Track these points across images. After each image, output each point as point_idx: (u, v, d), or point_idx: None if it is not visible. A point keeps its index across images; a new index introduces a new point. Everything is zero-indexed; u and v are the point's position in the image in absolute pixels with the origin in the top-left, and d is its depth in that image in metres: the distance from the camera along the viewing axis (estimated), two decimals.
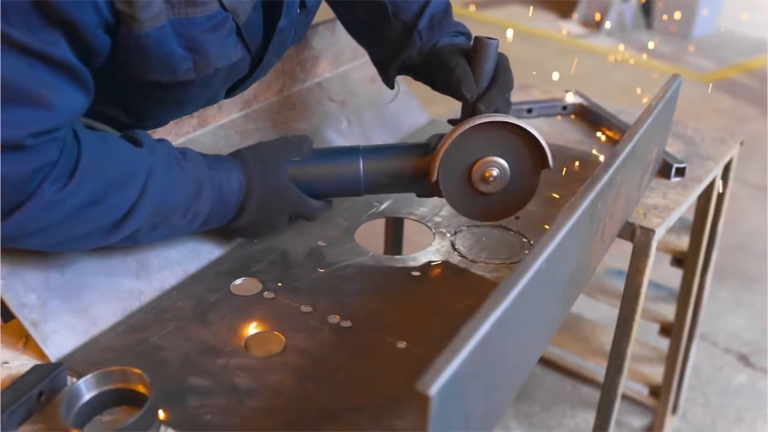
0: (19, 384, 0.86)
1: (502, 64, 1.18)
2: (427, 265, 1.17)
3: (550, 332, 1.02)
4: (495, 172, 1.14)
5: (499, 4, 6.44)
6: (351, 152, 1.18)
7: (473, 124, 1.12)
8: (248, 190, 1.09)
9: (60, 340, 0.97)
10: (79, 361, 0.95)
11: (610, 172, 1.01)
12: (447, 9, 1.29)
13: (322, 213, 1.19)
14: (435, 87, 1.25)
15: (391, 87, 1.33)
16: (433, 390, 0.64)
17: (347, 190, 1.18)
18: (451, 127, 1.16)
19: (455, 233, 1.26)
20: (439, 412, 0.65)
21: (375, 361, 0.97)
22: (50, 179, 0.89)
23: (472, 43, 1.21)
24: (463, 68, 1.16)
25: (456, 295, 1.11)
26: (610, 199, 1.08)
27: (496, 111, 1.16)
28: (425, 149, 1.16)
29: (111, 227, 0.97)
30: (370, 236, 1.34)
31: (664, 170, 1.47)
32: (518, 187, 1.16)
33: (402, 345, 1.00)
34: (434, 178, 1.14)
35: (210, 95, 1.13)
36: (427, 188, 1.17)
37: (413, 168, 1.16)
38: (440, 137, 1.15)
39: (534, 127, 1.13)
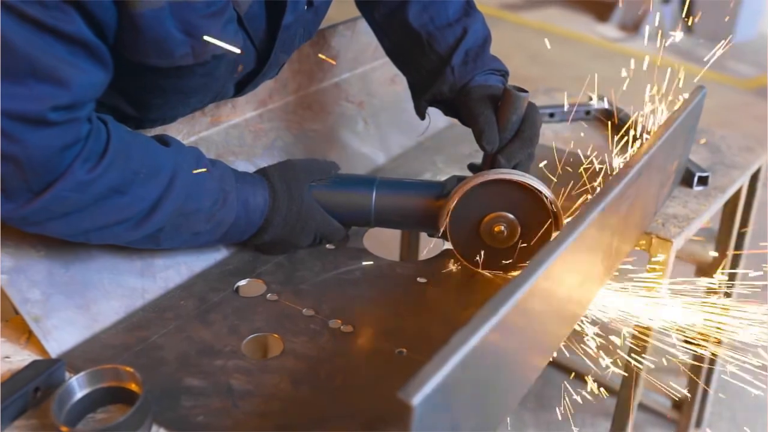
0: (16, 379, 0.87)
1: (529, 118, 1.15)
2: (434, 272, 1.16)
3: (555, 342, 1.00)
4: (503, 227, 1.12)
5: (536, 6, 6.37)
6: (366, 183, 1.17)
7: (485, 180, 1.11)
8: (274, 207, 1.10)
9: (61, 336, 0.97)
10: (78, 358, 0.95)
11: (621, 185, 0.98)
12: (485, 43, 1.26)
13: (342, 237, 1.19)
14: (465, 125, 1.23)
15: (422, 118, 1.31)
16: (416, 400, 0.62)
17: (358, 220, 1.18)
18: (470, 172, 1.15)
19: None
20: (423, 423, 0.64)
21: (373, 368, 0.96)
22: (81, 158, 0.91)
23: (506, 82, 1.20)
24: (486, 118, 1.14)
25: (461, 303, 1.09)
26: (622, 210, 1.05)
27: (516, 165, 1.14)
28: (439, 192, 1.15)
29: (136, 221, 0.98)
30: (387, 241, 1.33)
31: (686, 179, 1.43)
32: (528, 244, 1.13)
33: (402, 352, 0.99)
34: (442, 228, 1.13)
35: (216, 88, 1.12)
36: (436, 232, 1.17)
37: (424, 210, 1.15)
38: (458, 180, 1.14)
39: (543, 185, 1.11)
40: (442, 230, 1.13)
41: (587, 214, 0.89)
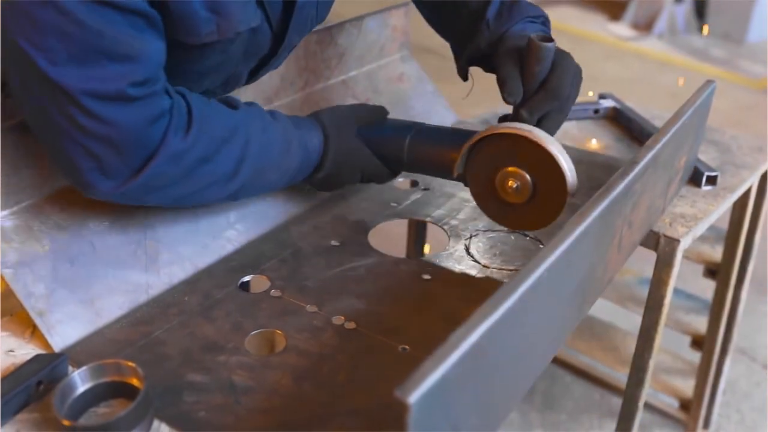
0: (19, 373, 0.87)
1: (557, 69, 1.09)
2: (438, 269, 1.15)
3: (557, 341, 0.99)
4: (516, 184, 1.10)
5: (549, 5, 6.36)
6: (403, 129, 1.21)
7: (494, 132, 1.09)
8: (326, 147, 1.16)
9: (65, 330, 0.97)
10: (82, 353, 0.96)
11: (626, 181, 0.97)
12: None
13: (387, 179, 1.25)
14: None
15: (464, 79, 1.28)
16: (413, 398, 0.62)
17: (395, 165, 1.22)
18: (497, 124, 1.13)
19: (470, 237, 1.23)
20: (420, 422, 0.63)
21: (376, 364, 0.96)
22: (172, 128, 0.96)
23: (548, 29, 1.20)
24: (508, 69, 1.11)
25: (465, 300, 1.08)
26: (628, 207, 1.04)
27: (542, 119, 1.10)
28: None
29: (223, 183, 1.05)
30: (393, 238, 1.33)
31: (695, 178, 1.42)
32: (542, 204, 1.10)
33: (405, 349, 0.99)
34: (455, 174, 1.15)
35: (229, 71, 1.12)
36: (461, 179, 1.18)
37: (450, 158, 1.15)
38: None
39: (558, 145, 1.06)
40: (455, 177, 1.16)
41: (593, 209, 0.89)
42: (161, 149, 0.95)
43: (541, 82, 1.09)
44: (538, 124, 1.10)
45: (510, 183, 1.10)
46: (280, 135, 1.11)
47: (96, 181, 0.95)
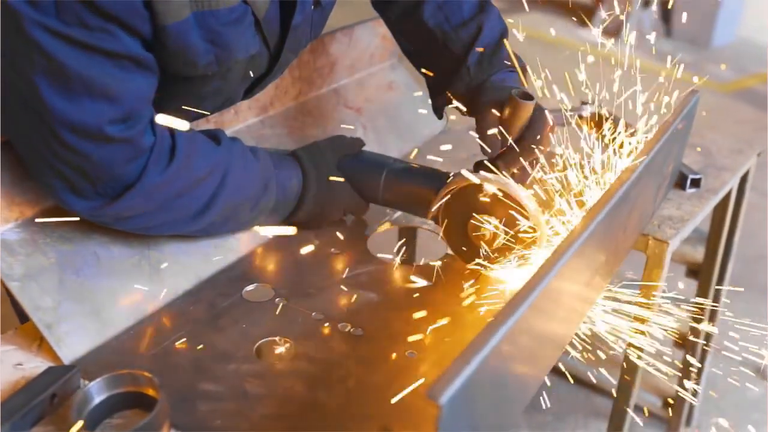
0: (32, 386, 0.87)
1: (533, 126, 1.12)
2: (438, 275, 1.17)
3: (564, 339, 1.01)
4: (488, 231, 1.13)
5: (520, 11, 6.43)
6: (379, 166, 1.22)
7: (472, 182, 1.12)
8: (305, 187, 1.17)
9: (73, 342, 0.97)
10: (91, 364, 0.96)
11: (624, 188, 1.00)
12: (501, 38, 1.24)
13: (365, 212, 1.27)
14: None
15: (440, 117, 1.32)
16: (444, 399, 0.64)
17: (370, 198, 1.24)
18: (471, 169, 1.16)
19: None
20: (449, 422, 0.65)
21: (385, 370, 0.97)
22: (151, 165, 0.98)
23: (526, 78, 1.23)
24: (488, 123, 1.13)
25: (466, 305, 1.10)
26: (624, 213, 1.07)
27: (516, 171, 1.14)
28: (440, 186, 1.16)
29: (192, 217, 1.06)
30: (390, 245, 1.34)
31: (680, 181, 1.46)
32: (509, 250, 1.13)
33: (412, 353, 1.00)
34: (429, 216, 1.18)
35: (227, 94, 1.13)
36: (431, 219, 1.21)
37: (424, 200, 1.18)
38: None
39: (529, 197, 1.10)
40: (430, 218, 1.19)
41: (596, 216, 0.91)
42: (137, 184, 0.97)
43: (518, 136, 1.13)
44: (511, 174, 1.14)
45: (482, 230, 1.14)
46: (258, 173, 1.11)
47: (69, 200, 0.98)
